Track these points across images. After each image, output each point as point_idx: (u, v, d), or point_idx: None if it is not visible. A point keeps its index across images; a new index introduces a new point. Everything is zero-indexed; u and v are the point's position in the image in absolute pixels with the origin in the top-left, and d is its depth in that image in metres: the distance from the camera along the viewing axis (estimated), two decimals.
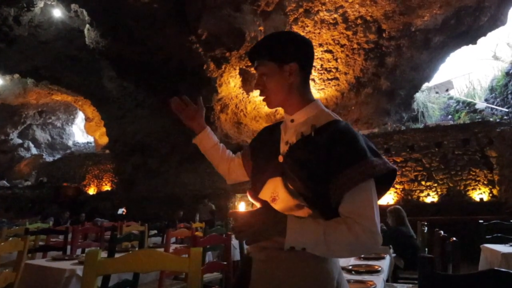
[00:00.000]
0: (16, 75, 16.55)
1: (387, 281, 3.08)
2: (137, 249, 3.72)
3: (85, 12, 11.16)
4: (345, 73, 11.87)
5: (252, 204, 1.29)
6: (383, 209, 6.10)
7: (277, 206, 1.20)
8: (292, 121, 1.33)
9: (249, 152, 1.52)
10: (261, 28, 9.87)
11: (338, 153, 1.16)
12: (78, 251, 4.14)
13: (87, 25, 11.47)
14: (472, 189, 9.31)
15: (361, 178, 1.12)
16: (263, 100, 1.36)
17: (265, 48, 1.32)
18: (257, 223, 1.09)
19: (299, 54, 1.31)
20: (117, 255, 2.41)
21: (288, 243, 1.09)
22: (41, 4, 12.45)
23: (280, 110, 1.64)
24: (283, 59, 1.29)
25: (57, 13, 14.33)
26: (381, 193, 1.22)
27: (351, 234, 1.08)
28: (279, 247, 1.15)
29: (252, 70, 11.01)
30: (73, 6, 12.22)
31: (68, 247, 4.02)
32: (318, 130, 1.24)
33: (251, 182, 1.40)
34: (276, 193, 1.25)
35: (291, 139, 1.29)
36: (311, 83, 11.70)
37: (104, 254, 2.91)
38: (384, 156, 1.20)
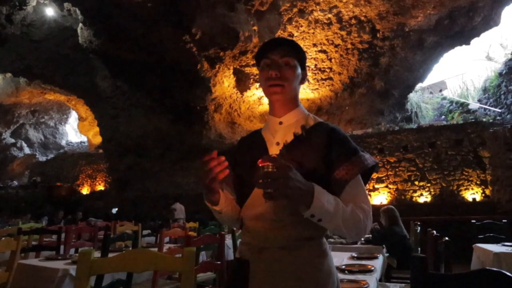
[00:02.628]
0: (9, 74, 16.47)
1: (380, 280, 3.09)
2: (130, 249, 3.71)
3: (78, 11, 11.11)
4: (339, 73, 11.90)
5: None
6: (376, 209, 6.14)
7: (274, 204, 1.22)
8: (280, 123, 1.38)
9: (230, 166, 1.36)
10: (255, 27, 9.87)
11: (336, 150, 1.27)
12: (72, 250, 4.12)
13: (80, 24, 11.41)
14: (465, 189, 9.37)
15: (358, 171, 1.25)
16: (276, 86, 1.32)
17: (298, 47, 1.41)
18: (296, 176, 1.07)
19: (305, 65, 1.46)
20: (110, 255, 2.40)
21: (312, 210, 1.10)
22: (34, 3, 12.37)
23: None
24: (304, 65, 1.42)
25: (50, 12, 14.28)
26: (364, 182, 1.33)
27: (357, 214, 1.19)
28: (279, 247, 1.20)
29: (246, 69, 11.06)
30: (66, 5, 12.17)
31: (61, 246, 4.00)
32: (309, 130, 1.33)
33: (237, 189, 1.39)
34: None
35: (283, 139, 1.33)
36: (305, 83, 11.76)
37: (97, 254, 2.90)
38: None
